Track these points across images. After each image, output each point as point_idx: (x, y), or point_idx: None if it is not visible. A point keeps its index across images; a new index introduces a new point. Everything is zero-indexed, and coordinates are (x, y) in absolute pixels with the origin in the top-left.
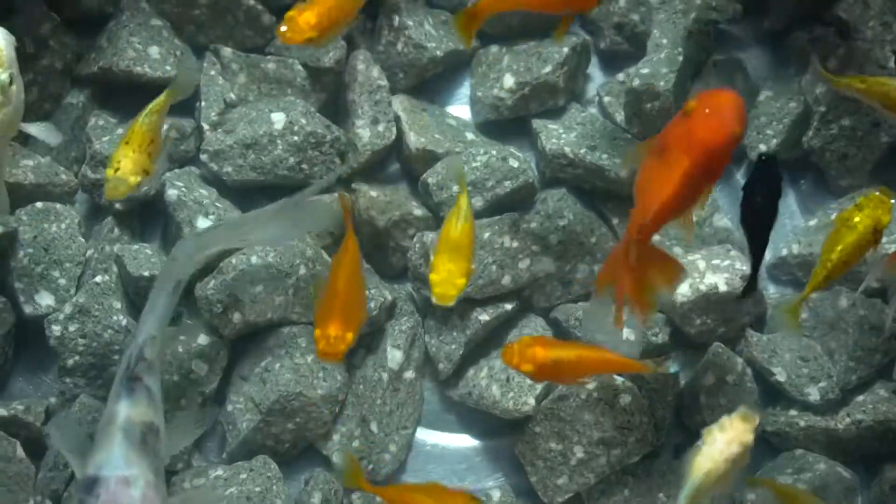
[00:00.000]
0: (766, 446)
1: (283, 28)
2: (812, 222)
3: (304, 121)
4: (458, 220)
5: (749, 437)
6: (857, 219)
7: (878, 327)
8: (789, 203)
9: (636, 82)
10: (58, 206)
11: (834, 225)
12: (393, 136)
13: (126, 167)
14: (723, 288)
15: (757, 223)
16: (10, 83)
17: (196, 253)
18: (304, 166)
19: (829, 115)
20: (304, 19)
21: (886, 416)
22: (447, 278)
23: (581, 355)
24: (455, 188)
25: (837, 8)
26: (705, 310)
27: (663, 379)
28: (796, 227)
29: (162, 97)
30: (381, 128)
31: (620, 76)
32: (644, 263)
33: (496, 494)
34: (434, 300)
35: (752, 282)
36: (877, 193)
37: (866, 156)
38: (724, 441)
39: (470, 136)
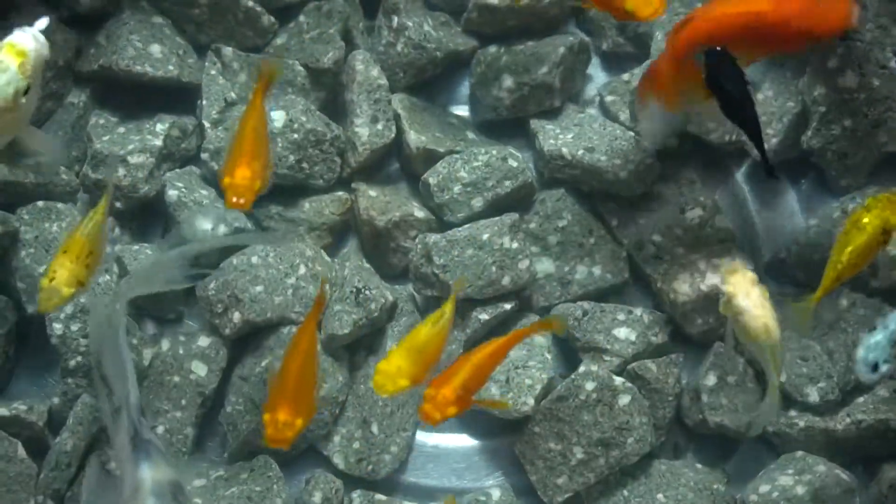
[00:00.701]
0: (767, 447)
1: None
2: (812, 221)
3: (304, 118)
4: (434, 324)
5: (754, 276)
6: (865, 220)
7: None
8: (790, 203)
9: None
10: (59, 205)
11: (843, 226)
12: (392, 135)
13: (61, 277)
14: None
15: (740, 107)
16: (25, 92)
17: (122, 301)
18: (305, 164)
19: (830, 116)
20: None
21: (886, 417)
22: (394, 374)
23: (477, 361)
24: (456, 188)
25: None
26: (706, 310)
27: (664, 379)
28: (796, 227)
29: (102, 202)
30: (379, 126)
31: (625, 76)
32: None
33: (496, 494)
34: (371, 384)
35: (767, 163)
36: (885, 194)
37: (866, 156)
38: (748, 297)
39: (471, 135)
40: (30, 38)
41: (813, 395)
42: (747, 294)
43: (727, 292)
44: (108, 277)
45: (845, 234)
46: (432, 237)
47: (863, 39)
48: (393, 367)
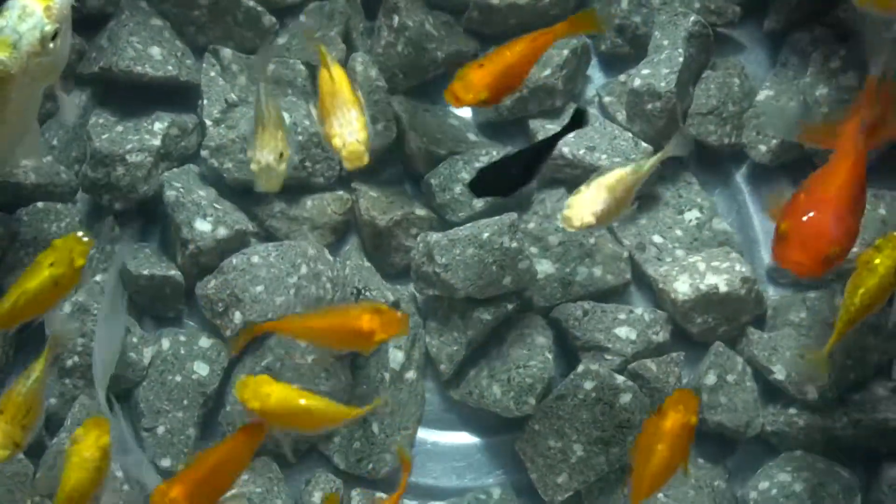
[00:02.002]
0: (767, 446)
1: (456, 84)
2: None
3: (307, 122)
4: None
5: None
6: (877, 261)
7: (876, 327)
8: None
9: (637, 83)
10: (58, 205)
11: (855, 268)
12: (392, 136)
13: None
14: (723, 288)
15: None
16: (54, 37)
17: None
18: (308, 163)
19: (832, 117)
20: (479, 78)
21: (885, 415)
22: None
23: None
24: (457, 188)
25: (837, 10)
26: (706, 309)
27: (664, 378)
28: None
29: (41, 359)
30: (380, 127)
31: (622, 77)
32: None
33: (496, 492)
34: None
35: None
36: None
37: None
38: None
39: (471, 136)
40: None
41: (812, 394)
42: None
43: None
44: (107, 277)
45: (857, 275)
46: (434, 236)
47: (864, 39)
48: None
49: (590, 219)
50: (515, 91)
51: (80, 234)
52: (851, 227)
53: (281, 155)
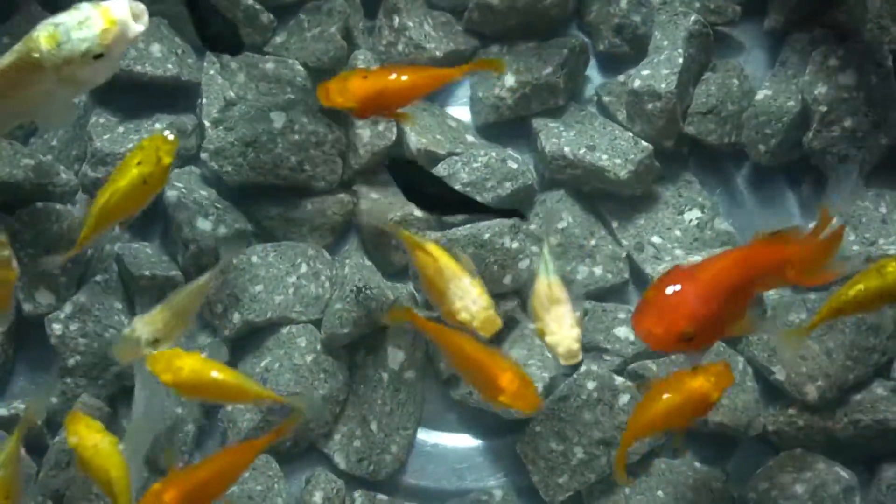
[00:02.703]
0: (767, 445)
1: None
2: (811, 225)
3: (305, 119)
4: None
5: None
6: (890, 269)
7: (876, 326)
8: (788, 206)
9: (636, 83)
10: (58, 206)
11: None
12: (393, 137)
13: None
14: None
15: (451, 205)
16: (98, 57)
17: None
18: (307, 166)
19: (831, 116)
20: (357, 86)
21: (885, 416)
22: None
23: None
24: (456, 188)
25: (836, 10)
26: None
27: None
28: None
29: (13, 439)
30: (381, 128)
31: (621, 77)
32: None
33: (497, 493)
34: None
35: (493, 210)
36: None
37: (866, 157)
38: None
39: (470, 137)
40: (125, 10)
41: (812, 394)
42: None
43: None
44: (107, 276)
45: (863, 273)
46: (432, 236)
47: (862, 39)
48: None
49: (577, 342)
50: (387, 112)
51: (166, 132)
52: (716, 314)
53: (156, 340)
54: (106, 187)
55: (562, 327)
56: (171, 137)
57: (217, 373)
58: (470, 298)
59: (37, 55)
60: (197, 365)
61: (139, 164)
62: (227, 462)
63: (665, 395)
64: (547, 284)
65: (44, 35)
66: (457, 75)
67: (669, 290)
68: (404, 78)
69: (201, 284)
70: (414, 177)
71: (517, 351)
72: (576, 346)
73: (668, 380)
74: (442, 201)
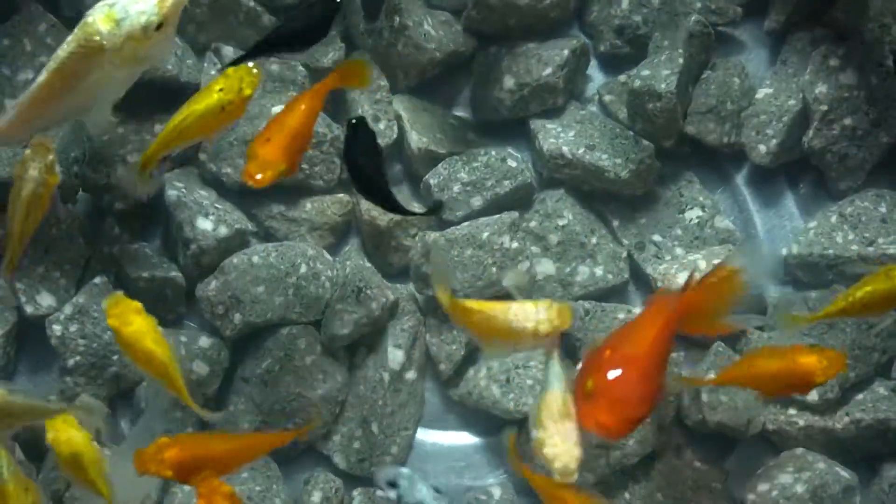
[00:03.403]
0: (767, 445)
1: (251, 165)
2: (811, 224)
3: None
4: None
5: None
6: None
7: (877, 325)
8: (788, 205)
9: (637, 83)
10: (58, 205)
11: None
12: (394, 135)
13: None
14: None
15: (370, 179)
16: (158, 27)
17: None
18: (305, 165)
19: (832, 115)
20: (270, 153)
21: (886, 416)
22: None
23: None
24: (455, 187)
25: (836, 10)
26: None
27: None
28: (796, 228)
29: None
30: (381, 126)
31: (622, 77)
32: None
33: (497, 492)
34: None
35: (400, 208)
36: None
37: (866, 156)
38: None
39: (471, 136)
40: None
41: (812, 394)
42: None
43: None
44: (107, 278)
45: (874, 274)
46: (432, 235)
47: (863, 39)
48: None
49: (576, 461)
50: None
51: (250, 64)
52: (657, 385)
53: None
54: (183, 108)
55: (565, 442)
56: (254, 71)
57: (155, 346)
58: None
59: (97, 38)
60: (143, 329)
61: (221, 90)
62: (240, 443)
63: (772, 359)
64: (562, 399)
65: (101, 17)
66: (329, 85)
67: (611, 375)
68: (296, 115)
69: None
70: (365, 152)
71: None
72: (573, 465)
73: (782, 348)
74: (368, 187)
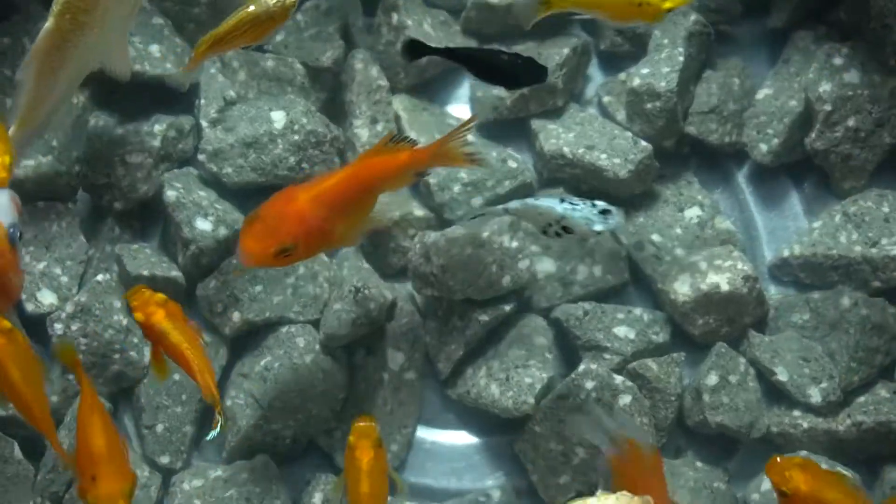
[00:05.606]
0: (771, 447)
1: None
2: (816, 223)
3: (304, 120)
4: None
5: None
6: None
7: (881, 327)
8: (792, 205)
9: (636, 82)
10: (58, 205)
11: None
12: None
13: None
14: (725, 287)
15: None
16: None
17: None
18: (305, 165)
19: (835, 116)
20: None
21: (888, 418)
22: None
23: None
24: (456, 187)
25: (839, 8)
26: (707, 310)
27: (665, 378)
28: (799, 229)
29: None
30: (379, 128)
31: (622, 76)
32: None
33: (496, 494)
34: None
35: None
36: None
37: (869, 156)
38: None
39: (470, 136)
40: None
41: (815, 396)
42: None
43: None
44: (108, 276)
45: None
46: (431, 236)
47: (866, 39)
48: None
49: None
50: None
51: None
52: (321, 227)
53: None
54: (233, 14)
55: None
56: None
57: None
58: None
59: None
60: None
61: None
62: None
63: None
64: None
65: None
66: None
67: (270, 206)
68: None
69: None
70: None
71: (516, 351)
72: None
73: None
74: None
